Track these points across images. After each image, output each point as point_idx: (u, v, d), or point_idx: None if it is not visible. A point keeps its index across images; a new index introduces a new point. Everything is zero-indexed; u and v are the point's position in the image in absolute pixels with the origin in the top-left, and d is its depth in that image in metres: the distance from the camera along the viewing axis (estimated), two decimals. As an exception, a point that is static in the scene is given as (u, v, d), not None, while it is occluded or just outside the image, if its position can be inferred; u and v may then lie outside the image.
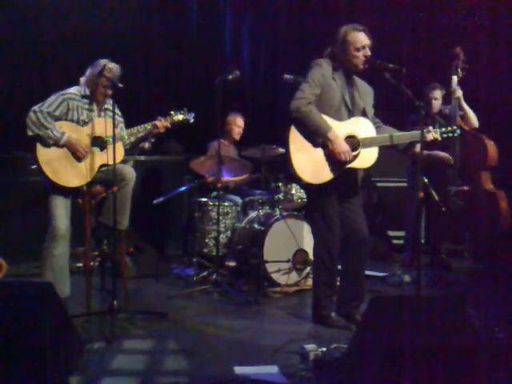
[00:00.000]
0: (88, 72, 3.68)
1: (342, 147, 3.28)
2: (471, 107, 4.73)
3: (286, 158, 3.39)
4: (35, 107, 3.50)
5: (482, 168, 4.71)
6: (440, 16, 6.22)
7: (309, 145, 3.35)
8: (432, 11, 6.23)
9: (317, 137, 3.32)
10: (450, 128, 3.47)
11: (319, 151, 3.34)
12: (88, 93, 3.66)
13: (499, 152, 4.79)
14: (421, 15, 6.27)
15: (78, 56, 5.35)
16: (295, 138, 3.37)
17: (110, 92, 3.65)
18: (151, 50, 6.10)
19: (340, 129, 3.34)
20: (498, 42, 5.91)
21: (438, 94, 4.86)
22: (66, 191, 3.57)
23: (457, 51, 4.63)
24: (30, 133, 3.48)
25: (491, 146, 4.70)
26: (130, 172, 3.67)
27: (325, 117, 3.33)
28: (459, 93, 4.63)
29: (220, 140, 4.32)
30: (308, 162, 3.34)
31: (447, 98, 4.78)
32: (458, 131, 3.48)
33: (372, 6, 6.20)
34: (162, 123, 3.74)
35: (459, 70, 4.60)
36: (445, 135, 3.46)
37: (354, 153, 3.34)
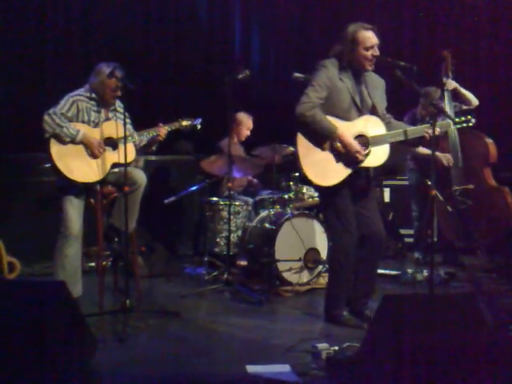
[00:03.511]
0: (93, 79, 3.67)
1: (354, 147, 3.27)
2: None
3: (296, 162, 3.39)
4: (49, 111, 3.54)
5: (485, 165, 4.73)
6: (439, 16, 6.19)
7: (317, 148, 3.34)
8: (431, 11, 6.21)
9: (324, 140, 3.31)
10: (463, 118, 3.43)
11: (328, 153, 3.33)
12: (95, 96, 3.68)
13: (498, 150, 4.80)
14: (421, 15, 6.24)
15: (81, 56, 5.38)
16: (304, 141, 3.36)
17: (119, 93, 3.67)
18: (160, 49, 6.09)
19: (349, 129, 3.32)
20: (498, 42, 5.90)
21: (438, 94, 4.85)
22: (79, 191, 3.60)
23: (444, 54, 4.70)
24: (46, 135, 3.52)
25: (491, 144, 4.75)
26: (141, 177, 3.68)
27: (332, 118, 3.31)
28: (452, 84, 4.65)
29: (230, 138, 4.32)
30: (318, 165, 3.33)
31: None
32: (474, 120, 3.43)
33: (377, 5, 6.19)
34: (164, 130, 3.75)
35: (449, 72, 4.67)
36: (459, 125, 3.44)
37: (365, 152, 3.33)
